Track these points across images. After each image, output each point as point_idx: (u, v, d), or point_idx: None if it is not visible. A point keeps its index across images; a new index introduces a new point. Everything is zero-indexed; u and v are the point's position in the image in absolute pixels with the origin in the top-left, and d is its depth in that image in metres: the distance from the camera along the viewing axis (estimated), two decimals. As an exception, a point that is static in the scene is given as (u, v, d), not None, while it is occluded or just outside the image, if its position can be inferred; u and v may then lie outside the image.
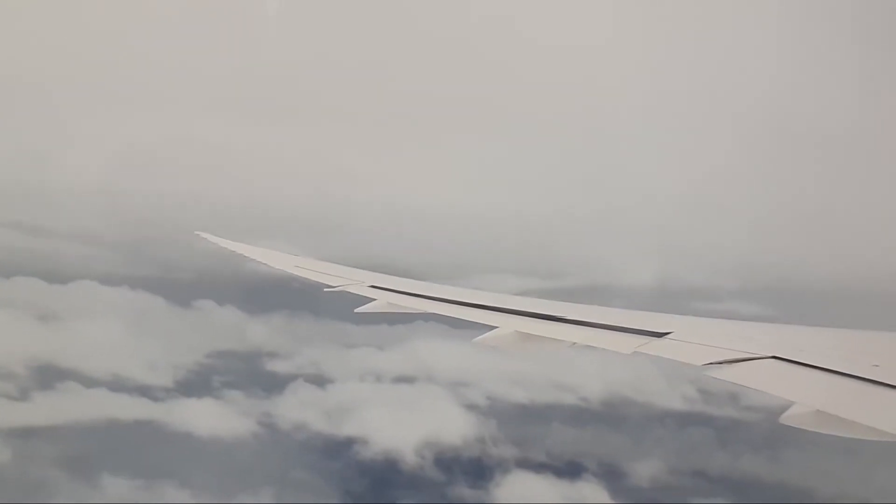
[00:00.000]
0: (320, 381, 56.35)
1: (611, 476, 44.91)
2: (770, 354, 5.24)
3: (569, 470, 44.81)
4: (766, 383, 5.06)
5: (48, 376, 51.89)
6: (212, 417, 48.49)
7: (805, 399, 4.85)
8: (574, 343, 6.23)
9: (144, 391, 52.29)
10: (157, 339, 63.12)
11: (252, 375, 56.90)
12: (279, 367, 59.74)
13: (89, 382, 51.87)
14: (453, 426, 48.44)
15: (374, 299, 7.58)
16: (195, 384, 55.16)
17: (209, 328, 71.18)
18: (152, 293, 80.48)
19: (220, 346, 63.46)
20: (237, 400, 52.22)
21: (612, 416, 54.32)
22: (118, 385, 52.32)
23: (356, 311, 7.47)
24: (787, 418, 4.92)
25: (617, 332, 6.17)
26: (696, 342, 5.74)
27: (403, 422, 48.30)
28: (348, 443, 45.59)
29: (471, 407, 53.15)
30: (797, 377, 5.02)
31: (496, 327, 6.52)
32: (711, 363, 5.32)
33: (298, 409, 50.09)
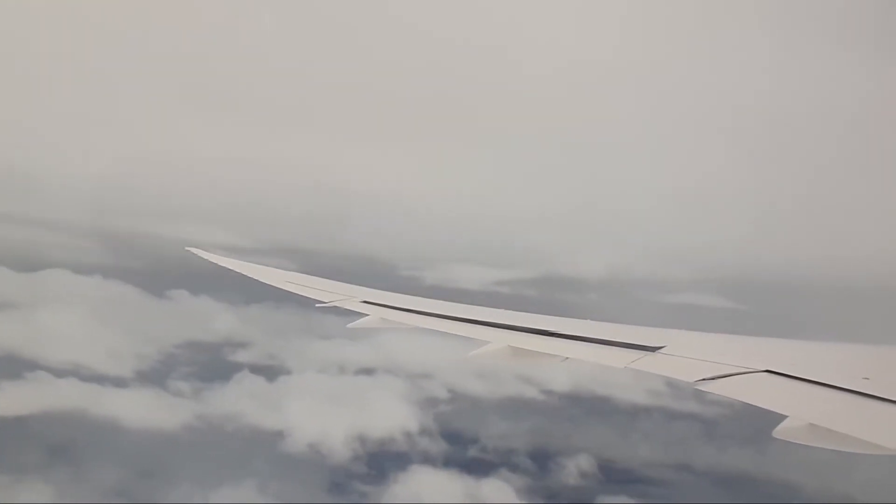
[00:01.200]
0: (277, 372, 56.36)
1: (535, 472, 44.32)
2: (763, 368, 5.34)
3: (487, 465, 44.04)
4: (760, 397, 5.12)
5: (4, 365, 50.63)
6: (148, 408, 47.44)
7: (798, 412, 4.93)
8: (567, 358, 6.27)
9: (99, 380, 51.54)
10: (125, 328, 62.65)
11: (214, 366, 56.45)
12: (243, 357, 59.77)
13: (55, 372, 51.02)
14: (391, 420, 48.03)
15: (367, 315, 7.59)
16: (154, 374, 54.65)
17: (179, 318, 70.94)
18: (127, 282, 78.82)
19: (186, 337, 63.35)
20: (182, 391, 51.61)
21: (568, 409, 54.33)
22: (76, 375, 51.45)
23: (348, 326, 7.46)
24: (780, 432, 4.98)
25: (610, 346, 6.23)
26: (689, 356, 5.80)
27: (341, 415, 47.59)
28: (273, 435, 44.71)
29: (427, 400, 53.00)
30: (790, 391, 5.10)
31: (489, 342, 6.56)
32: (704, 378, 5.37)
33: (238, 401, 49.40)
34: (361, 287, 8.62)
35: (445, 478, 42.22)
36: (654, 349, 6.00)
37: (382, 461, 43.88)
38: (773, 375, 5.26)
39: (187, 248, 11.33)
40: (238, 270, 10.00)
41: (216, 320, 68.42)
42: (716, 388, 5.31)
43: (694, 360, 5.74)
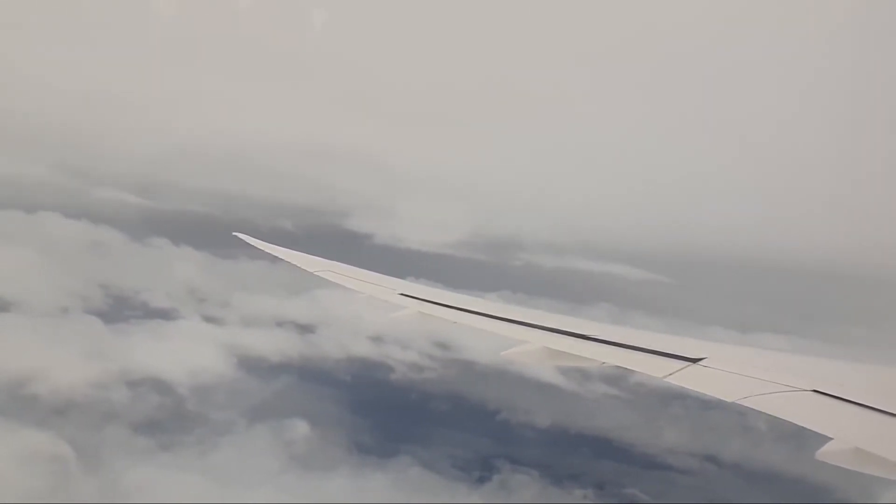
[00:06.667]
0: (164, 317, 59.13)
1: (239, 438, 41.79)
2: (809, 388, 5.31)
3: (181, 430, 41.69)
4: (805, 417, 5.08)
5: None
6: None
7: (844, 435, 4.90)
8: (604, 363, 6.22)
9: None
10: (84, 269, 65.68)
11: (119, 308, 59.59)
12: (160, 303, 63.09)
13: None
14: (160, 371, 46.78)
15: (405, 307, 7.50)
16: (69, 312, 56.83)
17: (142, 263, 74.36)
18: (112, 227, 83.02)
19: (133, 280, 66.71)
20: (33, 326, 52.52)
21: (436, 377, 53.58)
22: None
23: (390, 317, 7.39)
24: (824, 454, 4.96)
25: (648, 353, 6.17)
26: (730, 371, 5.75)
27: (134, 361, 47.21)
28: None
29: (273, 360, 53.23)
30: (837, 412, 5.07)
31: (526, 342, 6.50)
32: (749, 396, 5.31)
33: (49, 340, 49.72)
34: (399, 280, 8.57)
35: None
36: (694, 360, 5.95)
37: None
38: (819, 395, 5.23)
39: (234, 234, 11.45)
40: (281, 257, 10.07)
41: (175, 269, 71.14)
42: (760, 405, 5.27)
43: (736, 374, 5.69)
